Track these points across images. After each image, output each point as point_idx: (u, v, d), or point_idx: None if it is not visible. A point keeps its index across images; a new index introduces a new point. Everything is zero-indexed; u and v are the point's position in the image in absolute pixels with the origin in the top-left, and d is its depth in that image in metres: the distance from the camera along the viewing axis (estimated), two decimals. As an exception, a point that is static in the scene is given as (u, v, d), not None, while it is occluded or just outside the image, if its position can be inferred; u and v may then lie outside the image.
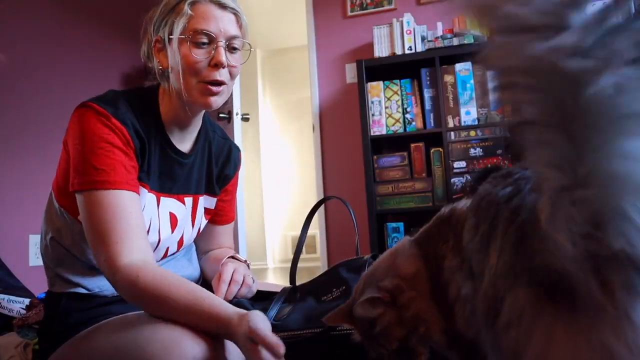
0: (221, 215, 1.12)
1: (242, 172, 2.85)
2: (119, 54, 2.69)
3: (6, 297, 1.60)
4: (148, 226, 0.90)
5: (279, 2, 4.14)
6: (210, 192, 1.07)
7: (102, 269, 0.81)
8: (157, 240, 0.94)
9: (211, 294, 0.80)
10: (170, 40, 0.88)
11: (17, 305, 1.58)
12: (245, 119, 2.85)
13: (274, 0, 4.12)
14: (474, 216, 0.57)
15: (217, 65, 0.88)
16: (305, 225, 1.03)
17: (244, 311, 0.74)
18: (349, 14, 2.95)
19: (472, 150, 2.33)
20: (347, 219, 2.86)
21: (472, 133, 2.35)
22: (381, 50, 2.66)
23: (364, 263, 0.87)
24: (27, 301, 1.59)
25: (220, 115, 2.75)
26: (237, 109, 2.71)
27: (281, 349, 0.67)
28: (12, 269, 1.92)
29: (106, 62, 2.64)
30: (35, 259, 2.21)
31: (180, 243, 1.01)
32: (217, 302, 0.76)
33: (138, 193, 0.86)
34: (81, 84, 2.53)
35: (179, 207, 0.98)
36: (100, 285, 0.91)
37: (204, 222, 1.07)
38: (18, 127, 2.21)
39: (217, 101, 0.90)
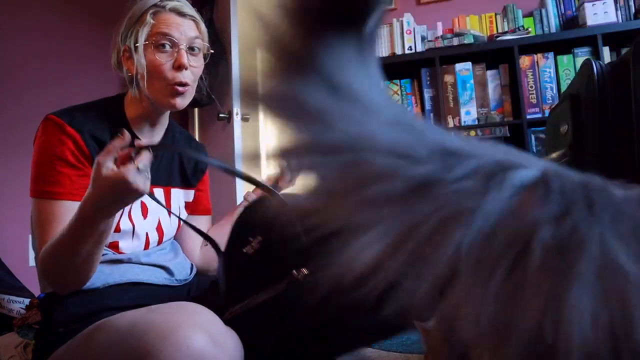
0: (199, 204, 1.20)
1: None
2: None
3: (6, 297, 1.60)
4: (120, 214, 0.97)
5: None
6: (187, 185, 1.14)
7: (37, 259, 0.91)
8: (131, 226, 0.99)
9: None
10: (136, 48, 0.97)
11: (17, 305, 1.58)
12: (245, 119, 2.85)
13: (274, 0, 4.12)
14: None
15: (180, 67, 0.96)
16: None
17: None
18: (349, 14, 2.95)
19: (472, 150, 2.34)
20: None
21: (472, 133, 2.34)
22: (381, 50, 2.66)
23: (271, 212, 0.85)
24: (27, 301, 1.59)
25: (220, 115, 2.75)
26: (237, 109, 2.71)
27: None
28: (12, 269, 1.92)
29: (106, 62, 2.64)
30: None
31: (160, 231, 1.05)
32: (79, 208, 0.82)
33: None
34: (81, 85, 2.53)
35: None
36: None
37: (184, 214, 1.14)
38: (18, 128, 2.21)
39: (182, 102, 0.99)
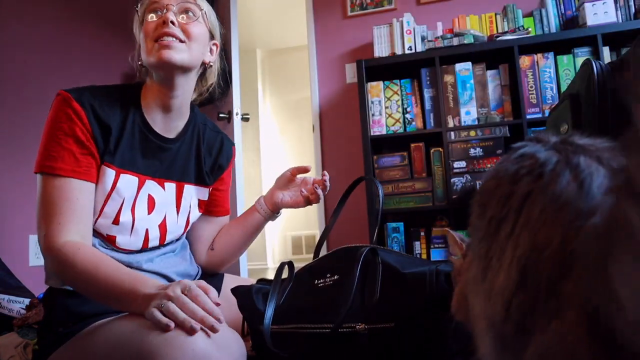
0: (216, 206, 1.16)
1: (242, 172, 2.84)
2: (119, 54, 2.69)
3: (6, 297, 1.60)
4: (120, 205, 0.95)
5: (279, 2, 4.14)
6: (201, 183, 1.10)
7: (40, 245, 0.88)
8: (131, 220, 0.96)
9: (137, 274, 0.84)
10: (140, 29, 0.97)
11: (17, 305, 1.58)
12: (245, 119, 2.85)
13: (274, 0, 4.13)
14: (478, 199, 0.43)
15: (164, 22, 0.93)
16: (340, 203, 1.08)
17: (166, 284, 0.79)
18: (349, 14, 2.95)
19: (472, 150, 2.33)
20: (346, 219, 2.87)
21: (472, 133, 2.35)
22: (381, 50, 2.66)
23: (360, 255, 0.87)
24: (27, 301, 1.59)
25: (220, 115, 2.75)
26: (237, 109, 2.71)
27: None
28: (12, 269, 1.92)
29: (106, 62, 2.64)
30: (35, 259, 2.21)
31: (162, 229, 1.02)
32: (139, 282, 0.80)
33: (88, 180, 0.91)
34: (81, 84, 2.53)
35: (158, 190, 1.02)
36: None
37: (196, 213, 1.10)
38: (18, 128, 2.21)
39: (171, 55, 0.93)
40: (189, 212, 1.08)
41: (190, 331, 0.70)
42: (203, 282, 0.79)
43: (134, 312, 0.79)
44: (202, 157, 1.09)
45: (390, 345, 0.80)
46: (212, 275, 1.19)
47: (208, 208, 1.15)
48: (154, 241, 1.02)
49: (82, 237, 0.88)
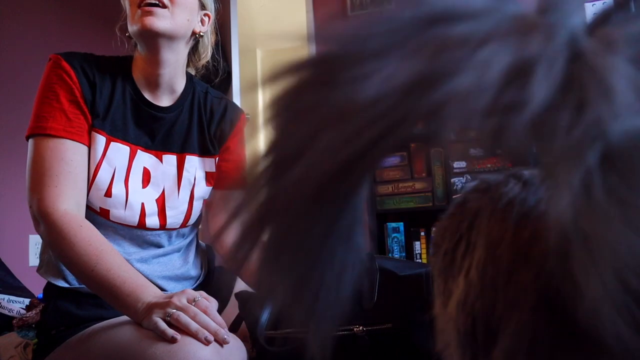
0: (226, 177, 1.07)
1: (242, 172, 2.83)
2: (118, 53, 2.69)
3: (6, 297, 1.60)
4: (112, 174, 0.91)
5: (279, 2, 4.14)
6: (205, 153, 1.03)
7: (33, 211, 0.83)
8: (124, 192, 0.92)
9: (139, 277, 0.81)
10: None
11: (17, 305, 1.58)
12: (245, 119, 2.85)
13: (274, 0, 4.13)
14: (433, 241, 0.44)
15: None
16: None
17: (168, 294, 0.78)
18: (349, 13, 2.95)
19: (472, 150, 2.33)
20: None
21: (472, 133, 2.34)
22: (381, 50, 2.66)
23: None
24: (27, 301, 1.59)
25: (220, 115, 2.75)
26: (237, 109, 2.70)
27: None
28: (12, 269, 1.92)
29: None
30: (35, 259, 2.21)
31: (160, 203, 0.97)
32: (140, 287, 0.79)
33: (81, 142, 0.88)
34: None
35: (155, 163, 0.97)
36: None
37: (203, 187, 1.03)
38: (18, 127, 2.21)
39: (154, 22, 0.89)
40: (193, 186, 1.01)
41: (205, 342, 0.70)
42: (204, 294, 0.78)
43: (129, 317, 0.79)
44: (205, 125, 1.03)
45: (388, 346, 0.80)
46: (226, 273, 1.14)
47: (218, 182, 1.05)
48: (152, 217, 0.96)
49: (78, 205, 0.85)
